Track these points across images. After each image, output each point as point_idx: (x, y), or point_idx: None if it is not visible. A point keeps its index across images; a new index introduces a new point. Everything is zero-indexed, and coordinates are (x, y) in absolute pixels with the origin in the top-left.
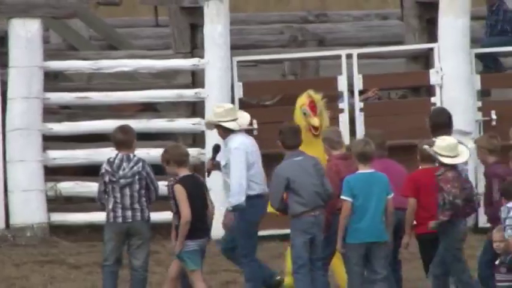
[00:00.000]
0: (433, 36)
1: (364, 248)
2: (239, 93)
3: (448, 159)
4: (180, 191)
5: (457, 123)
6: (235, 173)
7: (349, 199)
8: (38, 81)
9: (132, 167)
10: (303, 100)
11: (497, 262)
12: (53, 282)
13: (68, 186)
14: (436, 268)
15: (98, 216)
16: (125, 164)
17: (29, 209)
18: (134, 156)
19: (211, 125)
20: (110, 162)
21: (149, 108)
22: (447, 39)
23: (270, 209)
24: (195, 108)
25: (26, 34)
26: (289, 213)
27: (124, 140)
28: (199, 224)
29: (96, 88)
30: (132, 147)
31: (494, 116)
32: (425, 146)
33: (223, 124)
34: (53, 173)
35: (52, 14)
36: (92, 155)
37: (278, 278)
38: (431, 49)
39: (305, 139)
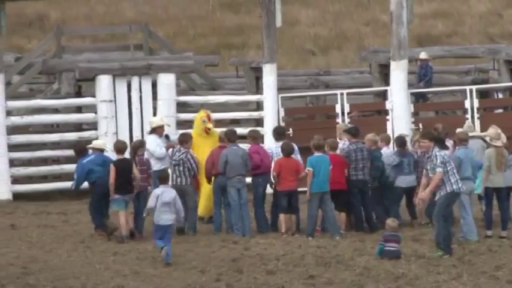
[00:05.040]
0: (387, 83)
1: (319, 195)
2: (282, 114)
3: None
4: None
5: (401, 130)
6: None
7: (311, 169)
8: (173, 107)
9: (180, 155)
10: (202, 114)
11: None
12: None
13: None
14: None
15: None
16: (177, 153)
17: None
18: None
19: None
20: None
21: (235, 122)
22: (395, 84)
23: None
24: (259, 122)
25: (166, 82)
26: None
27: (181, 139)
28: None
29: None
30: (189, 143)
31: (421, 126)
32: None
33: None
34: None
35: (181, 71)
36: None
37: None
38: (387, 90)
39: (201, 135)
